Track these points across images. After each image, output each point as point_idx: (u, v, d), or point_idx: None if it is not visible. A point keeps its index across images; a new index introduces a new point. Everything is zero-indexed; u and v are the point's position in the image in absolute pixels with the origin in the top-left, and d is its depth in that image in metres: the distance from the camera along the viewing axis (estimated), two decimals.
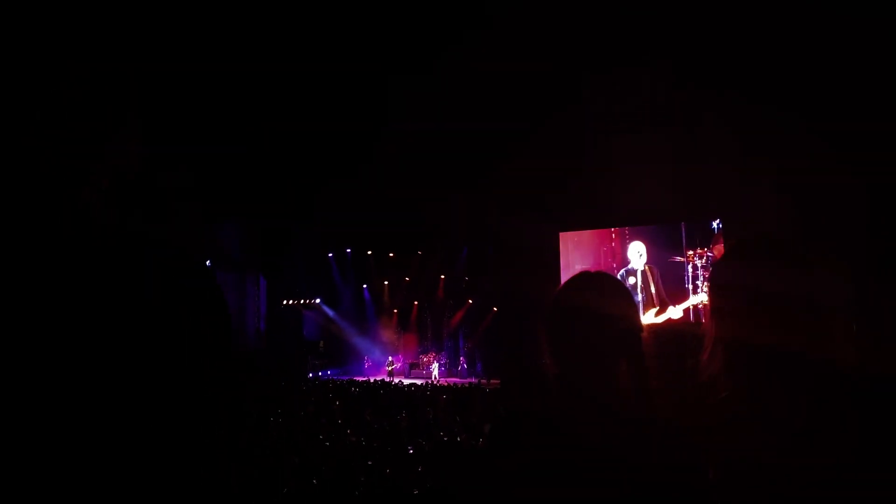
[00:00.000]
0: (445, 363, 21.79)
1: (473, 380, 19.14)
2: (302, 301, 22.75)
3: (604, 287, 1.44)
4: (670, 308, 15.06)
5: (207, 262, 20.02)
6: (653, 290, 15.41)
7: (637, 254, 15.72)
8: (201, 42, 9.59)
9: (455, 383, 17.65)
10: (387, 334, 23.30)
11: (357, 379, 18.99)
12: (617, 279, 1.50)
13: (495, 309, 20.50)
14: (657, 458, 1.27)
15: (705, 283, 14.61)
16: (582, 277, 1.46)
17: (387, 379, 19.56)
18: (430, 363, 21.50)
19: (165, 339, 0.87)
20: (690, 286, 14.83)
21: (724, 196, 13.91)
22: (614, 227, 16.10)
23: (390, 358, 22.26)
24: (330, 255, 23.14)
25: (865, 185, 11.05)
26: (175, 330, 0.88)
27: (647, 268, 15.57)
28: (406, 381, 18.59)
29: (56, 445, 0.80)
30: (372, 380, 18.39)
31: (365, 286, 23.38)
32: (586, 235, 16.70)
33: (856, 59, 10.30)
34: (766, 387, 1.37)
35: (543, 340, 1.42)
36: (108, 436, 0.82)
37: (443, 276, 21.96)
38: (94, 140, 0.93)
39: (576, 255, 16.72)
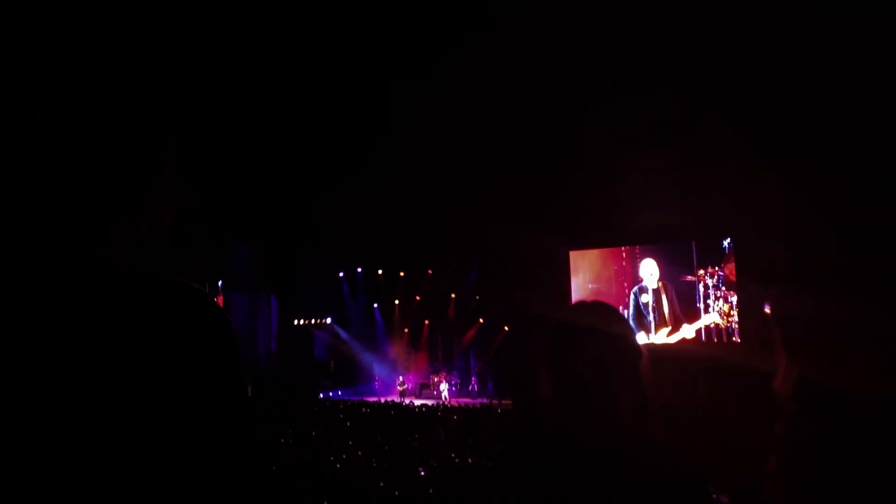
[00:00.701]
0: (456, 383, 21.69)
1: (485, 400, 19.04)
2: (313, 321, 22.78)
3: (601, 316, 1.44)
4: (684, 327, 14.96)
5: (219, 283, 20.13)
6: (666, 308, 15.31)
7: (649, 272, 15.66)
8: (204, 53, 9.66)
9: (466, 404, 17.57)
10: (397, 354, 23.26)
11: (367, 399, 18.94)
12: (614, 308, 1.51)
13: (506, 328, 20.43)
14: (657, 491, 1.27)
15: (717, 303, 14.52)
16: (579, 307, 1.48)
17: (397, 399, 19.51)
18: (440, 383, 21.41)
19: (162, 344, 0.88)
20: (702, 305, 14.73)
21: (734, 214, 13.86)
22: (624, 245, 16.05)
23: (401, 378, 22.19)
24: (341, 274, 23.19)
25: (882, 200, 10.94)
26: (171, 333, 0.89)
27: (660, 285, 15.48)
28: (417, 402, 18.53)
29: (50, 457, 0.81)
30: (383, 400, 18.35)
31: (376, 305, 23.39)
32: (596, 254, 16.66)
33: (873, 67, 10.21)
34: (829, 417, 1.40)
35: (541, 368, 1.43)
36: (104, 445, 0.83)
37: (453, 295, 21.95)
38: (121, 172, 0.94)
39: (586, 273, 16.68)
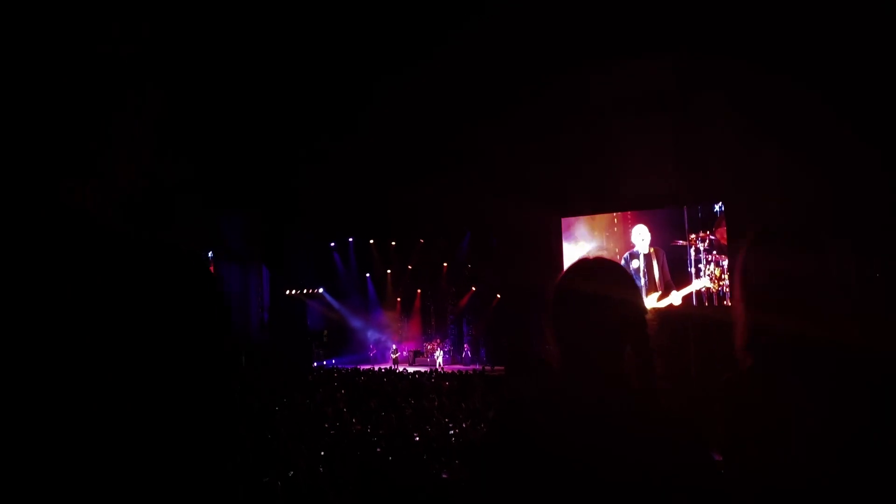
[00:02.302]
0: (449, 350, 21.85)
1: (477, 367, 19.18)
2: (305, 291, 22.80)
3: (606, 273, 1.43)
4: (673, 293, 15.06)
5: (209, 254, 20.06)
6: (657, 273, 15.39)
7: (640, 237, 15.70)
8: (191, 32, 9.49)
9: (459, 370, 17.71)
10: (391, 323, 23.35)
11: (361, 368, 19.05)
12: (618, 264, 1.49)
13: (499, 296, 20.51)
14: (661, 445, 1.26)
15: (708, 266, 14.60)
16: (582, 264, 1.45)
17: (391, 367, 19.63)
18: (434, 351, 21.56)
19: (163, 334, 0.86)
20: (693, 270, 14.81)
21: (726, 179, 13.88)
22: (616, 211, 16.06)
23: (394, 346, 22.33)
24: (332, 244, 23.15)
25: (868, 165, 10.98)
26: (171, 324, 0.87)
27: (651, 251, 15.55)
28: (411, 369, 18.65)
29: (53, 448, 0.80)
30: (377, 368, 18.45)
31: (368, 275, 23.41)
32: (588, 220, 16.67)
33: (865, 30, 10.14)
34: (788, 374, 1.39)
35: (547, 328, 1.42)
36: (111, 439, 0.82)
37: (445, 264, 21.97)
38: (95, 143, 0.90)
39: (578, 240, 16.70)
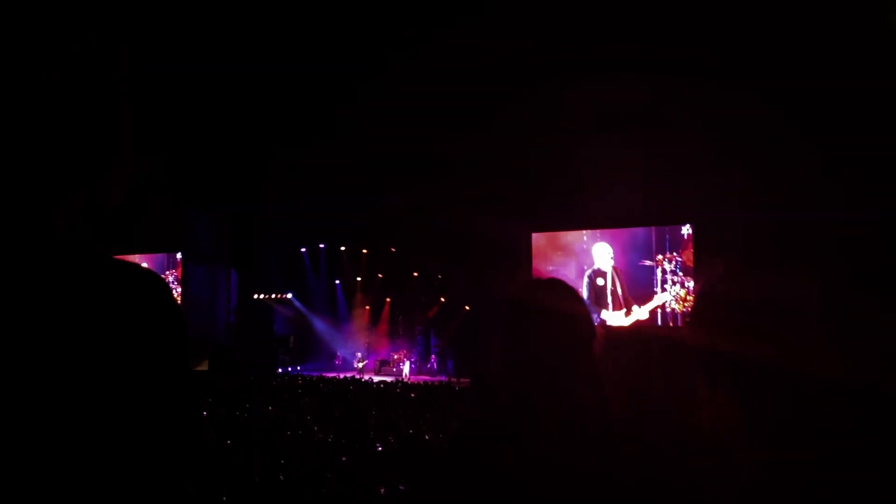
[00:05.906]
0: (416, 361, 21.78)
1: (444, 378, 19.16)
2: (273, 295, 22.58)
3: (555, 292, 1.46)
4: (635, 308, 15.28)
5: (179, 255, 19.82)
6: (619, 291, 15.60)
7: (608, 255, 15.89)
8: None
9: (425, 381, 17.67)
10: (358, 331, 23.22)
11: (327, 375, 18.91)
12: (567, 284, 1.52)
13: (467, 308, 20.54)
14: (612, 466, 1.30)
15: (674, 287, 14.83)
16: (532, 282, 1.48)
17: (357, 376, 19.52)
18: (400, 361, 21.47)
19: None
20: (658, 290, 15.02)
21: (695, 202, 14.11)
22: (587, 229, 16.24)
23: (359, 354, 22.20)
24: (303, 249, 23.00)
25: (839, 193, 11.21)
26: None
27: (613, 269, 15.78)
28: (376, 378, 18.56)
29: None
30: (342, 376, 18.34)
31: (338, 282, 23.28)
32: (559, 237, 16.83)
33: (834, 55, 10.37)
34: (738, 396, 1.40)
35: (497, 346, 1.44)
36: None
37: (416, 274, 21.95)
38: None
39: (548, 255, 16.83)
